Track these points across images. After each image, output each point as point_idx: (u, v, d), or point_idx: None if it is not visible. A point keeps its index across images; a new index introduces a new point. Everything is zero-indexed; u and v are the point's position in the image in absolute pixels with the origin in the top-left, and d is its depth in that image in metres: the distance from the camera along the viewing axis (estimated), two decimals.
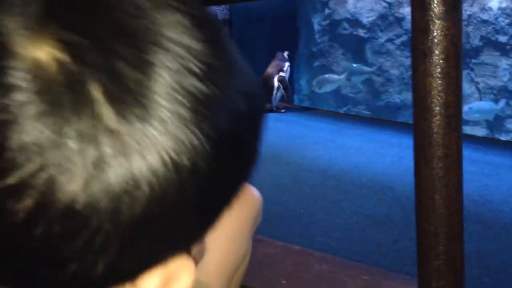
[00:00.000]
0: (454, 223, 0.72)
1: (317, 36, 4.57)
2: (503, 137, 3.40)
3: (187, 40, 0.26)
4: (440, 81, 0.69)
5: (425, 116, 0.71)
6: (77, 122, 0.24)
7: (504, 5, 3.43)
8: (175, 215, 0.26)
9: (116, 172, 0.24)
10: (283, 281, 0.98)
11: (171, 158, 0.25)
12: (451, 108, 0.70)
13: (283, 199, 2.16)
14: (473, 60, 3.58)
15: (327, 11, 4.43)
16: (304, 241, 1.71)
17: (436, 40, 0.69)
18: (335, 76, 4.19)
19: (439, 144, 0.70)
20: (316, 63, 4.59)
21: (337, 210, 2.06)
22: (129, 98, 0.24)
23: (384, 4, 4.00)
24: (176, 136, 0.25)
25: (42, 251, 0.25)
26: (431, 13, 0.69)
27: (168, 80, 0.25)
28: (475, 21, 3.55)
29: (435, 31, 0.69)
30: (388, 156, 2.94)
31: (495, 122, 3.47)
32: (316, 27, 4.56)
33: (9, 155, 0.23)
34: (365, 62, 4.19)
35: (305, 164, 2.76)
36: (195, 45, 0.26)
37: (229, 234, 0.48)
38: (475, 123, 3.53)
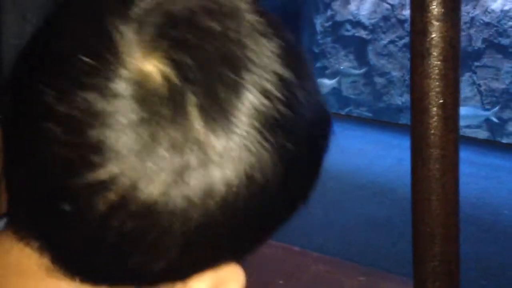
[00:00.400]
0: (450, 225, 0.72)
1: (319, 37, 4.57)
2: (505, 140, 3.39)
3: (275, 66, 0.28)
4: (437, 83, 0.69)
5: (422, 118, 0.71)
6: (171, 132, 0.26)
7: (507, 7, 3.42)
8: (237, 225, 0.28)
9: (196, 181, 0.26)
10: (281, 282, 0.99)
11: (246, 172, 0.27)
12: (448, 109, 0.70)
13: None
14: (475, 63, 3.57)
15: (329, 12, 4.44)
16: (303, 242, 1.71)
17: (434, 42, 0.69)
18: (326, 81, 4.20)
19: (436, 146, 0.71)
20: (318, 64, 4.60)
21: (337, 211, 2.06)
22: (218, 114, 0.27)
23: (387, 6, 4.00)
24: (253, 152, 0.27)
25: (114, 242, 0.27)
26: (430, 14, 0.69)
27: (253, 101, 0.27)
28: (477, 23, 3.55)
29: (433, 32, 0.69)
30: (389, 158, 2.94)
31: (496, 125, 3.47)
32: (319, 28, 4.57)
33: (105, 153, 0.26)
34: (354, 65, 4.20)
35: None
36: (282, 71, 0.29)
37: None
38: (477, 125, 3.53)
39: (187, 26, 0.28)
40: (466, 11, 3.56)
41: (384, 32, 4.05)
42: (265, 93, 0.28)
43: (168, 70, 0.26)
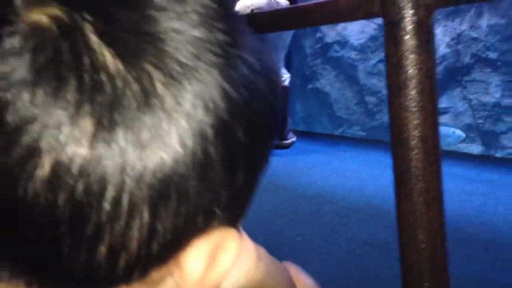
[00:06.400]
0: (438, 258, 0.70)
1: (309, 59, 4.60)
2: (499, 154, 3.39)
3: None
4: (416, 115, 0.69)
5: (403, 151, 0.70)
6: (77, 71, 0.23)
7: (492, 22, 3.46)
8: (201, 178, 0.25)
9: (121, 128, 0.23)
10: None
11: (193, 118, 0.24)
12: (429, 142, 0.69)
13: (280, 226, 2.14)
14: (465, 78, 3.59)
15: (318, 34, 4.48)
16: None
17: (409, 75, 0.68)
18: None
19: (419, 179, 0.70)
20: (310, 86, 4.61)
21: (334, 236, 2.04)
22: (127, 38, 0.24)
23: (374, 26, 4.04)
24: (198, 95, 0.25)
25: (70, 224, 0.23)
26: (404, 47, 0.69)
27: (178, 36, 0.25)
28: (465, 39, 3.58)
29: (408, 65, 0.69)
30: (383, 177, 2.93)
31: (490, 139, 3.47)
32: (308, 50, 4.60)
33: (13, 119, 0.22)
34: (344, 85, 4.22)
35: (301, 189, 2.74)
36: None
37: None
38: (471, 140, 3.53)
39: None
40: (453, 27, 3.59)
41: (373, 52, 4.08)
42: (192, 36, 0.25)
43: (59, 15, 0.24)
